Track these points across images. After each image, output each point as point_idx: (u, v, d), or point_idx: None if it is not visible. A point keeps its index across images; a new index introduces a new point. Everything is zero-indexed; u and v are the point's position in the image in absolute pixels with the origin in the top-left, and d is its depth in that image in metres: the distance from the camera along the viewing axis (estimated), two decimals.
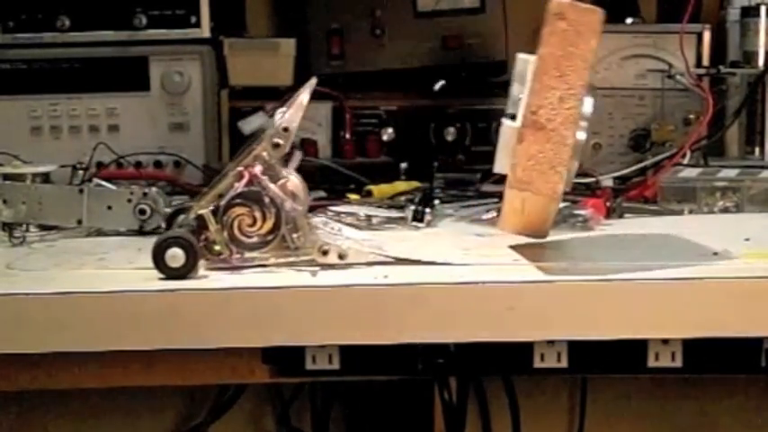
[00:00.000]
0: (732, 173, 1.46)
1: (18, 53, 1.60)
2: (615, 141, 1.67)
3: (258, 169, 1.12)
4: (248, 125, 1.64)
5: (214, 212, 1.11)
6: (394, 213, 1.37)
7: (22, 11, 1.59)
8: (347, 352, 1.10)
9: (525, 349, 1.11)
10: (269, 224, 1.11)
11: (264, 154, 1.12)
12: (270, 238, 1.11)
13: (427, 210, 1.34)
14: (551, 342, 1.11)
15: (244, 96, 1.66)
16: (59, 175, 1.38)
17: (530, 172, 1.15)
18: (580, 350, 1.11)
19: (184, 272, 1.07)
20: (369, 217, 1.35)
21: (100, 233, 1.30)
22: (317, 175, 1.53)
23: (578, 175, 1.54)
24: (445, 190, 1.54)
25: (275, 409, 1.93)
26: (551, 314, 1.05)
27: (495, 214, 1.36)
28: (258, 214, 1.11)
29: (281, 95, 1.64)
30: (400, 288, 1.05)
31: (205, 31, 1.61)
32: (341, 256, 1.11)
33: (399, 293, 1.05)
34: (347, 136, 1.64)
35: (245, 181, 1.12)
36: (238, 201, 1.11)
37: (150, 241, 1.24)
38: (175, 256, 1.06)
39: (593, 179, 1.50)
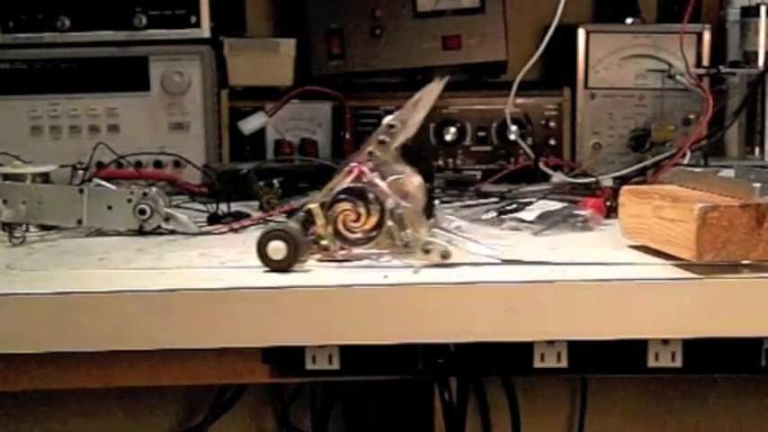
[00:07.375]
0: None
1: (18, 53, 1.60)
2: (615, 141, 1.67)
3: (368, 165, 1.12)
4: (248, 125, 1.64)
5: (323, 207, 1.11)
6: None
7: (22, 11, 1.59)
8: (347, 352, 1.10)
9: (525, 349, 1.11)
10: (373, 220, 1.11)
11: (375, 150, 1.13)
12: (373, 234, 1.11)
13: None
14: (551, 342, 1.11)
15: (244, 96, 1.66)
16: (59, 175, 1.38)
17: None
18: (580, 350, 1.11)
19: (286, 264, 1.08)
20: None
21: (100, 233, 1.30)
22: (316, 175, 1.53)
23: (578, 175, 1.55)
24: (445, 190, 1.54)
25: (275, 409, 1.93)
26: (551, 314, 1.05)
27: (494, 214, 1.37)
28: (362, 210, 1.11)
29: (281, 95, 1.64)
30: (400, 288, 1.05)
31: (205, 31, 1.61)
32: (443, 256, 1.10)
33: (399, 293, 1.04)
34: (347, 136, 1.64)
35: (352, 176, 1.12)
36: (343, 196, 1.11)
37: (150, 241, 1.25)
38: (277, 248, 1.07)
39: (593, 179, 1.50)
